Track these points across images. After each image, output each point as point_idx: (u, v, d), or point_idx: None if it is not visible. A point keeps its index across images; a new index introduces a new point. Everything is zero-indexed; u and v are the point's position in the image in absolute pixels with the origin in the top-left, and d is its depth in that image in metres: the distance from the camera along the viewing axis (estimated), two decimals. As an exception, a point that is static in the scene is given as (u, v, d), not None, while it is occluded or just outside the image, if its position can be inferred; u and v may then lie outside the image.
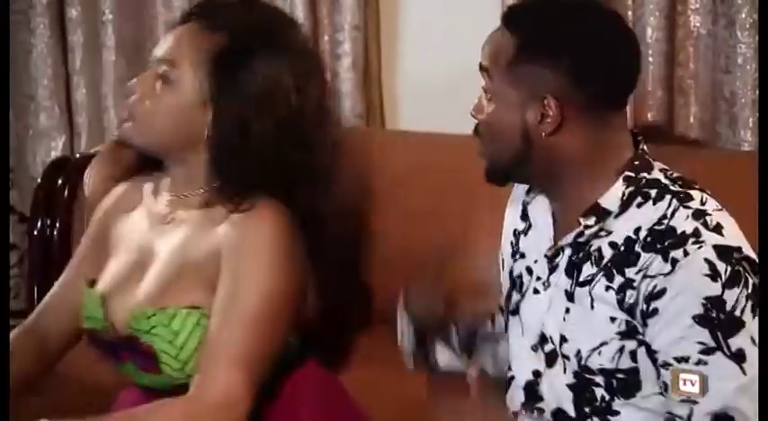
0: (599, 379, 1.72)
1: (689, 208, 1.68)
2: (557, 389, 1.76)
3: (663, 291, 1.64)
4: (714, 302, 1.61)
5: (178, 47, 1.88)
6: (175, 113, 1.87)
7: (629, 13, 2.52)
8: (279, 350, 1.83)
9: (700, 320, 1.62)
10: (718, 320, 1.61)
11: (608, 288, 1.70)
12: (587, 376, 1.73)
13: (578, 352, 1.73)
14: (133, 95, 1.89)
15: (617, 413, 1.72)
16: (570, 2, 1.77)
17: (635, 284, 1.67)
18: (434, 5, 2.73)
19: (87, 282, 1.97)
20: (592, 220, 1.72)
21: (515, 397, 1.83)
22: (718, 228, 1.66)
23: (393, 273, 2.27)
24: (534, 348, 1.79)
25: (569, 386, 1.75)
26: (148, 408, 1.80)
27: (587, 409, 1.74)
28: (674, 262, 1.64)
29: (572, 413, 1.75)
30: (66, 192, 2.71)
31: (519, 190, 1.92)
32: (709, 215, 1.67)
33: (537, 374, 1.79)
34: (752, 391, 1.60)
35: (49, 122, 3.03)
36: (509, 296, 1.87)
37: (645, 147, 1.77)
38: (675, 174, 1.76)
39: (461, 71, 2.68)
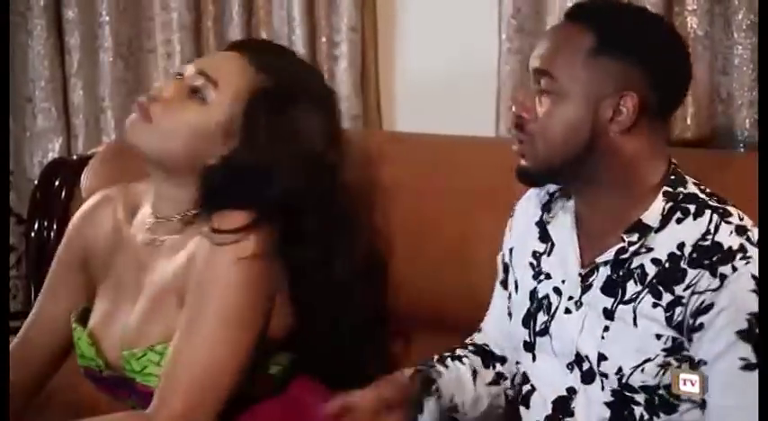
0: (639, 397, 1.71)
1: (730, 223, 1.69)
2: (593, 407, 1.76)
3: (710, 306, 1.65)
4: (758, 318, 1.62)
5: (224, 71, 1.84)
6: (195, 131, 1.82)
7: (627, 14, 2.52)
8: (243, 370, 1.80)
9: (744, 336, 1.63)
10: (758, 336, 1.62)
11: (656, 305, 1.70)
12: (627, 394, 1.72)
13: (619, 369, 1.72)
14: (155, 96, 1.84)
15: None
16: (632, 4, 1.80)
17: (684, 301, 1.67)
18: (431, 7, 2.73)
19: (75, 317, 1.94)
20: (635, 237, 1.72)
21: (535, 412, 1.83)
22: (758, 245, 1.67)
23: (389, 276, 2.27)
24: (570, 367, 1.78)
25: (607, 404, 1.74)
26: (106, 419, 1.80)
27: None
28: (723, 277, 1.64)
29: None
30: (63, 194, 2.71)
31: (527, 211, 1.91)
32: (750, 231, 1.69)
33: (571, 391, 1.79)
34: None
35: (46, 124, 3.02)
36: (532, 316, 1.85)
37: (675, 161, 1.78)
38: (708, 189, 1.77)
39: (459, 72, 2.69)
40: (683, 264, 1.68)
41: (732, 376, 1.64)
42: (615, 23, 1.72)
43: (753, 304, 1.63)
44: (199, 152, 1.82)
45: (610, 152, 1.71)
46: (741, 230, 1.68)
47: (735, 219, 1.70)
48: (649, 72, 1.69)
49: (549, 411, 1.80)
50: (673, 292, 1.69)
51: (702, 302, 1.65)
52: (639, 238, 1.72)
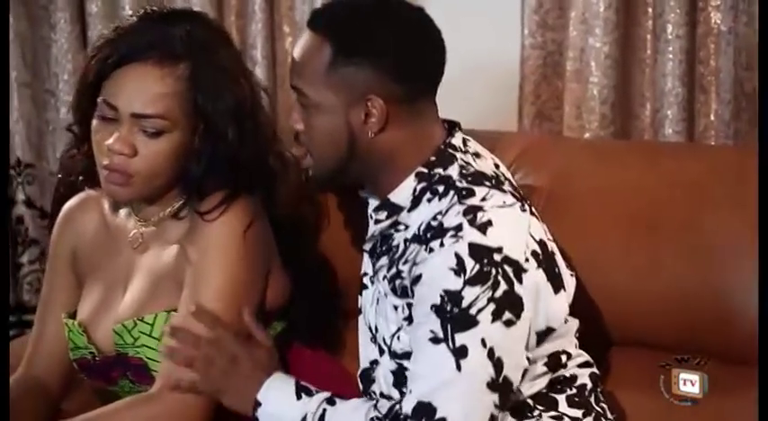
0: (407, 362, 1.75)
1: (464, 204, 1.70)
2: (385, 375, 1.82)
3: (419, 277, 1.70)
4: (451, 296, 1.66)
5: (152, 96, 1.83)
6: (172, 156, 1.85)
7: (650, 9, 2.52)
8: None
9: (435, 310, 1.66)
10: (450, 313, 1.65)
11: (384, 277, 1.78)
12: (398, 361, 1.78)
13: (384, 340, 1.80)
14: (120, 155, 1.83)
15: None
16: (369, 4, 1.79)
17: (403, 274, 1.74)
18: (454, 1, 2.73)
19: (68, 315, 1.97)
20: (383, 215, 1.79)
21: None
22: (484, 226, 1.68)
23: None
24: (373, 340, 1.85)
25: (392, 371, 1.80)
26: (113, 408, 1.81)
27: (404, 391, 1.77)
28: (430, 251, 1.69)
29: (396, 396, 1.79)
30: (85, 187, 2.71)
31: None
32: (484, 211, 1.69)
33: (374, 363, 1.85)
34: (460, 390, 1.64)
35: (69, 117, 3.02)
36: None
37: (455, 141, 1.80)
38: (475, 170, 1.77)
39: (481, 67, 2.69)
40: (411, 242, 1.74)
41: (421, 345, 1.68)
42: (348, 31, 1.74)
43: (447, 281, 1.66)
44: (180, 166, 1.87)
45: (371, 151, 1.76)
46: (470, 210, 1.69)
47: (473, 200, 1.71)
48: (387, 70, 1.73)
49: (360, 384, 1.88)
50: (397, 266, 1.75)
51: (415, 272, 1.70)
52: (389, 216, 1.78)
